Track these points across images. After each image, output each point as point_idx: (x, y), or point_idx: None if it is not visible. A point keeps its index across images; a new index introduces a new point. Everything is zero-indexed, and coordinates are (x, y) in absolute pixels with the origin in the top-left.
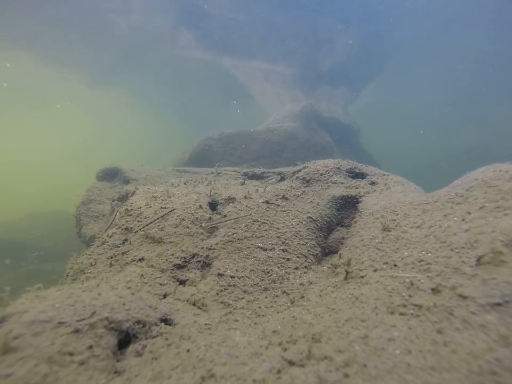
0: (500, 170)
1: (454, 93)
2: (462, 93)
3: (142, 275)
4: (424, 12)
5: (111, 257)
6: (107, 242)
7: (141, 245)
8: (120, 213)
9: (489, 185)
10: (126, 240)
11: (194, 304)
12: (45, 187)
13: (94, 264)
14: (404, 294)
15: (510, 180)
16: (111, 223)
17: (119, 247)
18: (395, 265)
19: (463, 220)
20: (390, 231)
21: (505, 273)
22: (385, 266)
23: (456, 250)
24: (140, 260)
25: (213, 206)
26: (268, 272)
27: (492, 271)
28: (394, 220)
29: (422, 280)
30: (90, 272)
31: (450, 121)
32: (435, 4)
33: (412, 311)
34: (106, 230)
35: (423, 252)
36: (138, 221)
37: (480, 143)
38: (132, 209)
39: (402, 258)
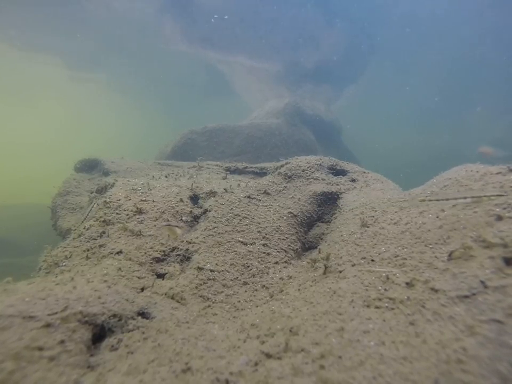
0: (471, 170)
1: (432, 98)
2: (439, 98)
3: (119, 268)
4: (408, 18)
5: (88, 250)
6: (84, 235)
7: (119, 237)
8: (98, 204)
9: (461, 184)
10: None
11: (172, 298)
12: (19, 178)
13: (70, 257)
14: (380, 288)
15: (480, 180)
16: (87, 215)
17: (96, 239)
18: (372, 260)
19: (437, 217)
20: (368, 227)
21: (474, 267)
22: (363, 261)
23: (430, 246)
24: (117, 252)
25: (194, 199)
26: (248, 267)
27: (462, 266)
28: (373, 216)
29: (398, 274)
30: (65, 265)
31: (428, 124)
32: (419, 10)
33: (387, 304)
34: (83, 222)
35: (399, 248)
36: (117, 213)
37: (455, 144)
38: (110, 201)
39: (379, 254)
